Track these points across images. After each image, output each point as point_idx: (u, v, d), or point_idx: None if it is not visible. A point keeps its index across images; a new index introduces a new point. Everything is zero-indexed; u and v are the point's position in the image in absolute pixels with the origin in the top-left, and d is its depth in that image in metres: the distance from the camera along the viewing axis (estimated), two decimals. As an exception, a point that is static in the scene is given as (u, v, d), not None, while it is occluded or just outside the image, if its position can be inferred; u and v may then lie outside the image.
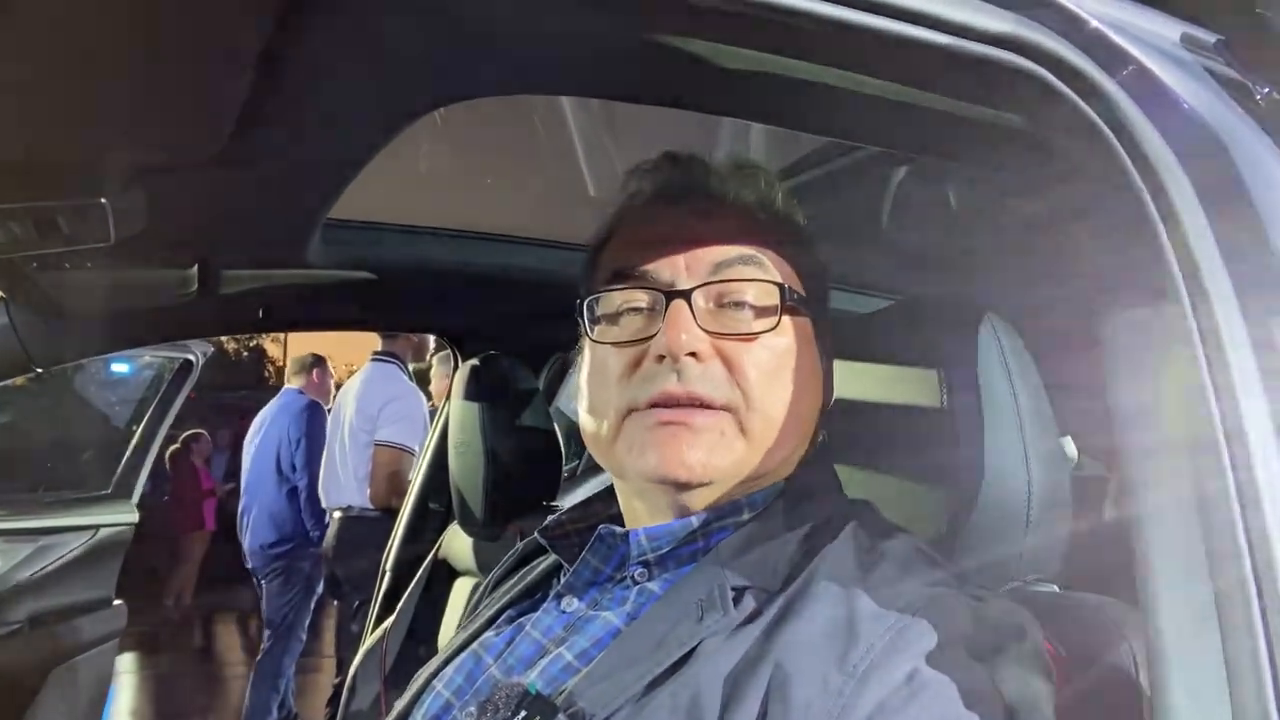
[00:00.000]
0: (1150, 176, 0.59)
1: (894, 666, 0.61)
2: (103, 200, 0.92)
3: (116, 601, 2.83)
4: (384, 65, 0.81)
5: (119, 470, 2.95)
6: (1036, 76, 0.62)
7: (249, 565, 4.26)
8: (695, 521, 0.78)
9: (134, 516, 2.87)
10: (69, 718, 2.61)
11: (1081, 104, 0.61)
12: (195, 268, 1.32)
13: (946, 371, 0.84)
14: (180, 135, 0.86)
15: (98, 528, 2.73)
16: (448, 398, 2.00)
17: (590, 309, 0.84)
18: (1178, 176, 0.59)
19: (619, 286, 0.82)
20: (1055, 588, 0.84)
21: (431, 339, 3.99)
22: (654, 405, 0.76)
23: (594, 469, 2.49)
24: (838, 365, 0.90)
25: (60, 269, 1.24)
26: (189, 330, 1.67)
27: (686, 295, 0.77)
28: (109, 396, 3.57)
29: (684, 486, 0.76)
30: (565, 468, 1.79)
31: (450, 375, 2.97)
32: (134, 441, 3.02)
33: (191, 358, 3.04)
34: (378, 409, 3.56)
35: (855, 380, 0.92)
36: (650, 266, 0.80)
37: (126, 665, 5.87)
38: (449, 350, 3.60)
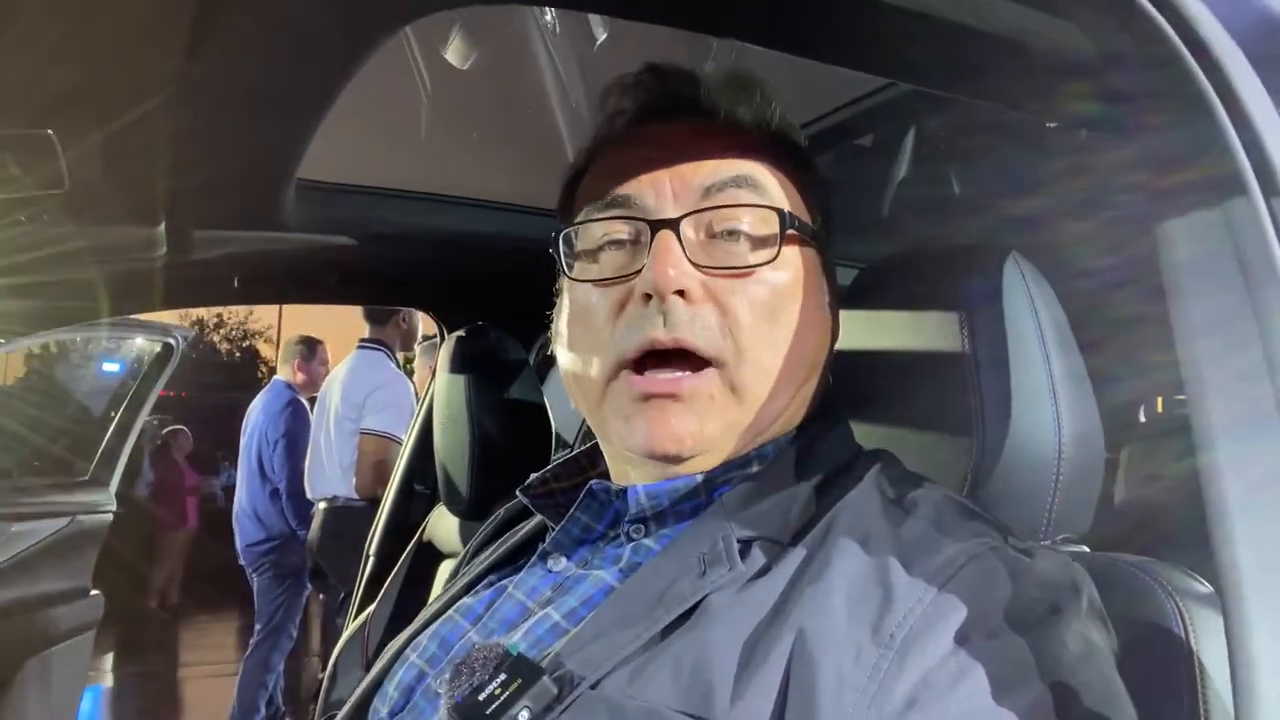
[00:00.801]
0: (1211, 67, 0.52)
1: (936, 637, 0.54)
2: (49, 131, 0.84)
3: (94, 592, 2.75)
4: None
5: (97, 456, 2.87)
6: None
7: (241, 562, 4.19)
8: (700, 478, 0.70)
9: (112, 503, 2.79)
10: (44, 709, 2.53)
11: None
12: (163, 226, 1.25)
13: (969, 314, 0.77)
14: (125, 55, 0.79)
15: (74, 514, 2.65)
16: (432, 378, 1.93)
17: (568, 243, 0.76)
18: (1237, 61, 0.52)
19: (598, 217, 0.74)
20: (1085, 549, 0.78)
21: (420, 329, 3.92)
22: (641, 357, 0.69)
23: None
24: (850, 314, 0.83)
25: (16, 225, 1.17)
26: (162, 299, 1.59)
27: (674, 225, 0.69)
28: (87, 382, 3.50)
29: (675, 460, 0.69)
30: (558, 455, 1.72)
31: (434, 364, 2.89)
32: (112, 427, 2.93)
33: (171, 342, 2.96)
34: (363, 397, 3.47)
35: (868, 329, 0.85)
36: (633, 192, 0.72)
37: (111, 665, 5.78)
38: (433, 340, 3.54)
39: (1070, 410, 0.74)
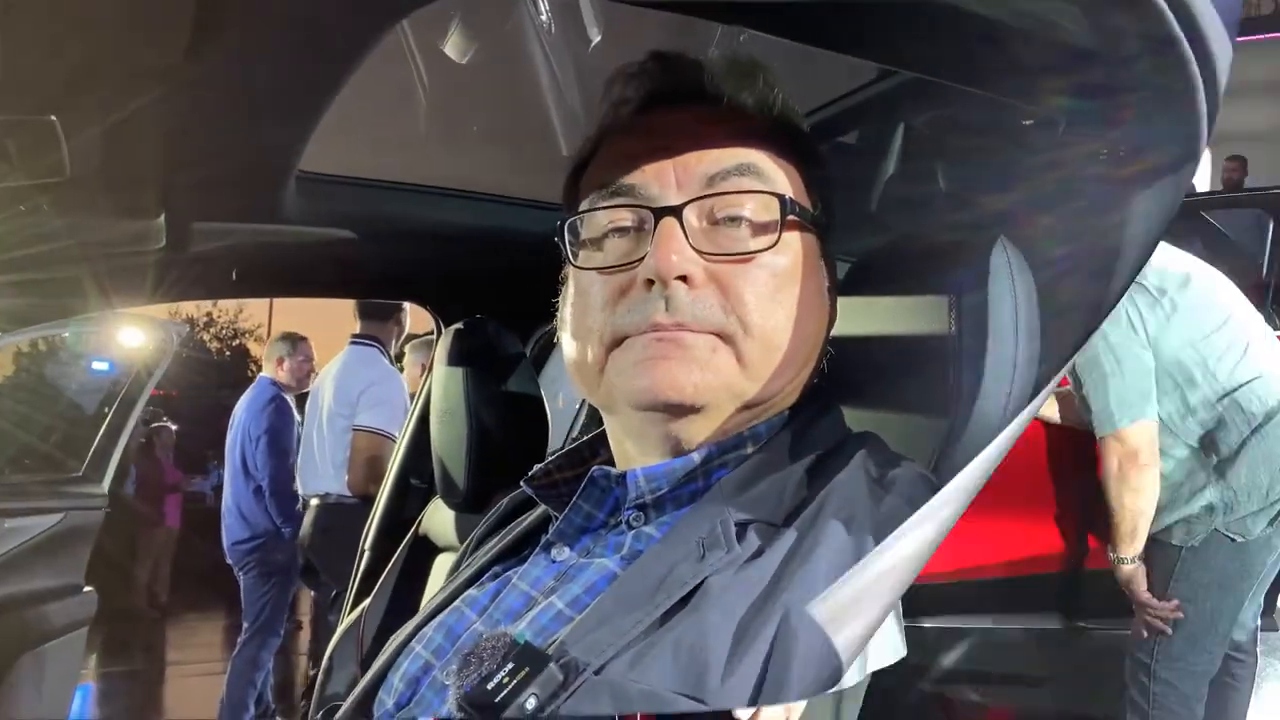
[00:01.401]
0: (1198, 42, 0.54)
1: None
2: (51, 117, 0.84)
3: (86, 588, 2.73)
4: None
5: (89, 454, 2.85)
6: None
7: (228, 560, 4.17)
8: (697, 458, 0.71)
9: (104, 500, 2.78)
10: (37, 705, 2.52)
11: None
12: (161, 218, 1.25)
13: (958, 299, 0.78)
14: (129, 44, 0.79)
15: (66, 511, 2.63)
16: (428, 373, 1.92)
17: (572, 231, 0.77)
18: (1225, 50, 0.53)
19: (603, 205, 0.75)
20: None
21: (408, 326, 3.90)
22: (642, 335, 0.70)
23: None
24: (845, 301, 0.84)
25: (14, 217, 1.17)
26: (160, 293, 1.59)
27: (677, 212, 0.70)
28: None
29: (676, 411, 0.70)
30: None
31: (425, 362, 2.88)
32: (105, 425, 2.92)
33: (166, 338, 2.95)
34: (357, 393, 3.44)
35: (862, 315, 0.86)
36: (636, 181, 0.73)
37: (101, 664, 5.76)
38: (425, 338, 3.52)
39: (1020, 395, 0.75)
